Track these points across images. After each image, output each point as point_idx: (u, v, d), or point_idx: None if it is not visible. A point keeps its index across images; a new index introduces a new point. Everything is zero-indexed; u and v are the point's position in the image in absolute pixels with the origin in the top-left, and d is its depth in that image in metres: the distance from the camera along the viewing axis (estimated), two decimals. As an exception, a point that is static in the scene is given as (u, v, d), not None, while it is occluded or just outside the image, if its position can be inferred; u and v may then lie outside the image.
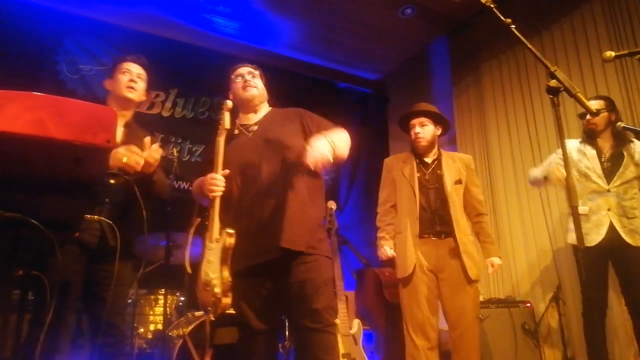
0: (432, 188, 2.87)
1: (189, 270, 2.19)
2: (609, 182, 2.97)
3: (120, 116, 2.25)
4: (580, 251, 2.78)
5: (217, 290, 1.94)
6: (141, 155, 2.01)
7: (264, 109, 2.41)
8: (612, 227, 2.90)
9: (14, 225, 1.30)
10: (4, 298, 1.49)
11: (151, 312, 3.60)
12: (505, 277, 4.40)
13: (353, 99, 6.21)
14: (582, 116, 3.19)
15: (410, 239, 2.80)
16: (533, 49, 1.97)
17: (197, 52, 5.08)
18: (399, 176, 2.97)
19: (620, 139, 3.03)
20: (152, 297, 3.63)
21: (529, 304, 3.81)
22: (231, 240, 1.99)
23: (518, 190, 4.42)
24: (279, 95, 5.40)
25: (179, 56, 4.94)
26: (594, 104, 3.03)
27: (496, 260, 2.88)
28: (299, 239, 2.02)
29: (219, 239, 2.02)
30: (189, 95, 4.97)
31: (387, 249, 2.89)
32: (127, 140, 2.19)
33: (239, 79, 2.39)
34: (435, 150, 3.01)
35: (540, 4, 4.40)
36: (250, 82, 2.36)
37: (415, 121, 2.99)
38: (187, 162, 4.79)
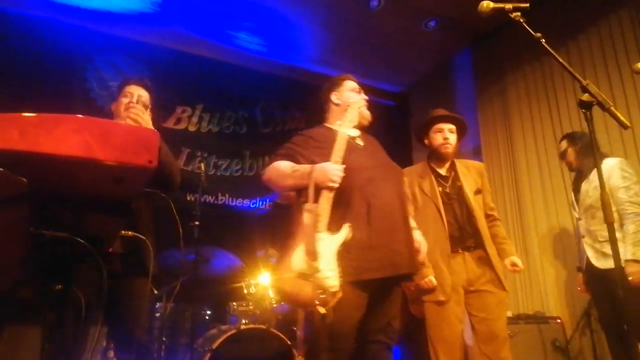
0: (455, 201, 2.76)
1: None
2: (579, 211, 3.24)
3: None
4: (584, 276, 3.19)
5: (334, 283, 1.87)
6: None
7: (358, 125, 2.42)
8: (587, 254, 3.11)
9: (58, 242, 1.33)
10: (42, 313, 1.53)
11: (179, 326, 3.64)
12: (534, 292, 4.32)
13: (375, 111, 6.20)
14: (561, 156, 3.47)
15: (440, 260, 2.66)
16: (565, 63, 1.95)
17: (222, 68, 5.17)
18: (419, 192, 2.81)
19: (580, 170, 3.27)
20: (179, 310, 3.66)
21: (559, 320, 3.72)
22: (350, 236, 1.99)
23: (547, 204, 4.35)
24: (303, 108, 5.50)
25: (205, 72, 5.04)
26: (560, 147, 3.42)
27: (517, 260, 2.74)
28: (416, 261, 2.21)
29: (337, 231, 1.98)
30: (214, 110, 5.06)
31: (432, 279, 2.63)
32: None
33: (357, 91, 2.46)
34: (450, 160, 2.91)
35: (566, 13, 4.36)
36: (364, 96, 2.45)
37: (445, 126, 2.85)
38: (213, 176, 4.86)
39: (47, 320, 1.53)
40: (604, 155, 3.20)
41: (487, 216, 2.84)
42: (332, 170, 2.03)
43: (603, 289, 3.02)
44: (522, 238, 4.47)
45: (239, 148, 5.10)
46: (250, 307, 3.57)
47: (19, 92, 4.06)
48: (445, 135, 2.81)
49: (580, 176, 3.30)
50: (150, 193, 2.21)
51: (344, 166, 2.06)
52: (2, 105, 3.86)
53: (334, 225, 1.99)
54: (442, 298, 2.61)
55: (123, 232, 1.98)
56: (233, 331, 3.19)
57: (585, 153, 3.24)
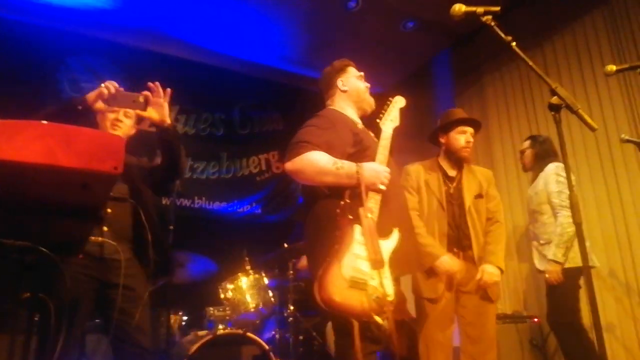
0: (455, 202, 2.76)
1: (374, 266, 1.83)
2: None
3: None
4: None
5: (391, 292, 1.80)
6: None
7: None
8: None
9: (23, 250, 1.30)
10: (11, 320, 1.48)
11: (155, 332, 3.57)
12: (512, 291, 4.37)
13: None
14: (520, 154, 3.58)
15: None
16: (534, 66, 1.97)
17: (199, 69, 5.11)
18: (424, 186, 2.78)
19: (535, 174, 3.37)
20: (154, 316, 3.59)
21: (536, 319, 3.75)
22: (399, 241, 1.95)
23: (523, 204, 4.38)
24: (280, 108, 5.45)
25: (180, 73, 4.94)
26: (523, 145, 3.53)
27: (488, 268, 2.61)
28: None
29: (388, 235, 1.92)
30: (190, 111, 5.01)
31: (448, 259, 2.58)
32: (125, 167, 2.22)
33: (361, 79, 2.41)
34: (463, 163, 2.91)
35: (541, 15, 4.42)
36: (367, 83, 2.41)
37: (468, 129, 2.81)
38: (189, 179, 4.80)
39: (17, 329, 1.49)
40: (558, 160, 3.24)
41: (488, 219, 2.83)
42: (383, 172, 1.99)
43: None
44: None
45: (215, 150, 5.05)
46: (227, 312, 3.52)
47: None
48: (469, 138, 2.78)
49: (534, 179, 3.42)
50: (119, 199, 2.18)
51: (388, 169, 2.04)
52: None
53: (379, 227, 1.91)
54: (433, 295, 2.61)
55: (93, 238, 1.96)
56: (210, 337, 3.14)
57: (540, 157, 3.35)
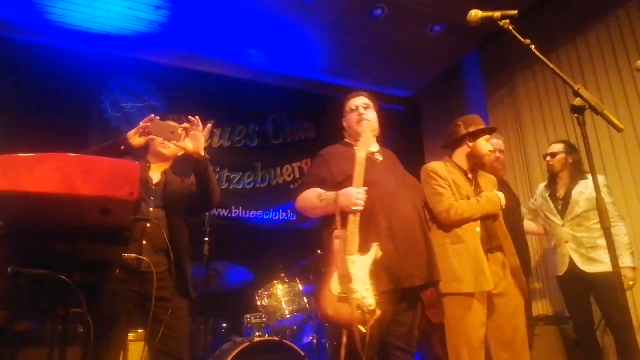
0: None
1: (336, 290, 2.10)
2: (562, 218, 3.39)
3: (159, 167, 2.51)
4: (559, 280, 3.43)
5: (371, 301, 2.00)
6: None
7: (374, 140, 2.58)
8: (572, 258, 3.30)
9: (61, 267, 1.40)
10: (51, 334, 1.60)
11: (195, 341, 3.69)
12: (553, 293, 4.24)
13: (385, 117, 6.20)
14: (544, 157, 3.59)
15: (480, 251, 2.53)
16: (555, 68, 1.95)
17: (232, 83, 5.26)
18: (454, 185, 2.69)
19: (573, 179, 3.42)
20: (195, 326, 3.72)
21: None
22: (380, 254, 2.11)
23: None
24: (312, 118, 5.54)
25: (214, 88, 5.14)
26: (555, 148, 3.51)
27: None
28: (438, 270, 2.31)
29: (367, 251, 2.10)
30: (225, 125, 5.15)
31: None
32: (167, 186, 2.40)
33: (354, 111, 2.57)
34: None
35: (565, 15, 4.32)
36: (365, 116, 2.52)
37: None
38: (226, 190, 4.94)
39: (55, 342, 1.60)
40: (587, 172, 3.36)
41: None
42: (355, 194, 2.15)
43: (583, 291, 3.30)
44: (540, 243, 4.39)
45: (250, 161, 5.18)
46: (264, 319, 3.61)
47: (38, 118, 4.23)
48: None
49: (553, 185, 3.51)
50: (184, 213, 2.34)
51: (366, 188, 2.18)
52: (22, 130, 4.04)
53: (362, 244, 2.12)
54: (479, 289, 2.47)
55: (126, 255, 2.08)
56: (247, 344, 3.24)
57: (576, 169, 3.44)
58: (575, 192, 3.38)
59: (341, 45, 5.11)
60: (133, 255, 2.12)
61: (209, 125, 2.34)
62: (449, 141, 2.88)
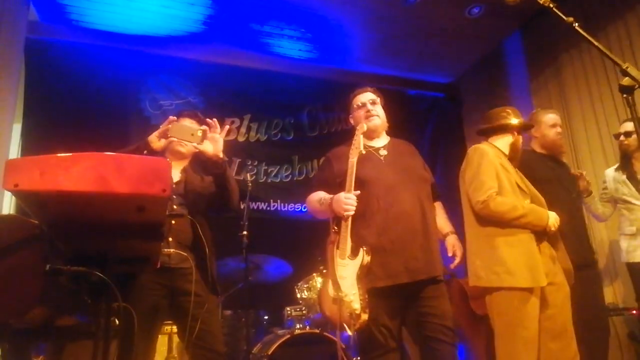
0: None
1: (331, 293, 2.21)
2: None
3: (177, 165, 2.50)
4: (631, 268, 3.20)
5: (356, 306, 2.05)
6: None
7: (384, 133, 2.58)
8: None
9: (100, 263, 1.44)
10: (92, 328, 1.65)
11: (237, 333, 3.76)
12: (605, 282, 4.04)
13: (424, 104, 6.09)
14: (616, 136, 3.39)
15: (533, 244, 2.43)
16: (601, 46, 1.83)
17: (267, 76, 5.26)
18: (501, 169, 2.54)
19: (629, 159, 3.25)
20: (236, 318, 3.78)
21: (635, 311, 3.47)
22: (368, 258, 2.14)
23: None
24: (343, 108, 5.47)
25: (250, 82, 5.16)
26: (628, 126, 3.27)
27: None
28: (440, 265, 2.29)
29: (356, 255, 2.15)
30: (261, 118, 5.17)
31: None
32: (187, 184, 2.42)
33: (361, 108, 2.53)
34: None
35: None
36: (372, 112, 2.50)
37: None
38: (264, 183, 4.99)
39: (98, 335, 1.66)
40: None
41: None
42: (344, 199, 2.19)
43: None
44: (591, 229, 4.19)
45: (287, 154, 5.19)
46: (304, 312, 3.63)
47: (79, 116, 4.37)
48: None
49: (629, 166, 3.28)
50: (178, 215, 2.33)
51: (358, 192, 2.20)
52: (62, 131, 4.19)
53: (356, 247, 2.17)
54: (535, 285, 2.35)
55: (165, 250, 2.13)
56: (287, 336, 3.26)
57: None
58: (619, 174, 3.24)
59: (377, 33, 5.02)
60: (172, 250, 2.16)
61: (227, 127, 2.34)
62: (490, 126, 2.75)
